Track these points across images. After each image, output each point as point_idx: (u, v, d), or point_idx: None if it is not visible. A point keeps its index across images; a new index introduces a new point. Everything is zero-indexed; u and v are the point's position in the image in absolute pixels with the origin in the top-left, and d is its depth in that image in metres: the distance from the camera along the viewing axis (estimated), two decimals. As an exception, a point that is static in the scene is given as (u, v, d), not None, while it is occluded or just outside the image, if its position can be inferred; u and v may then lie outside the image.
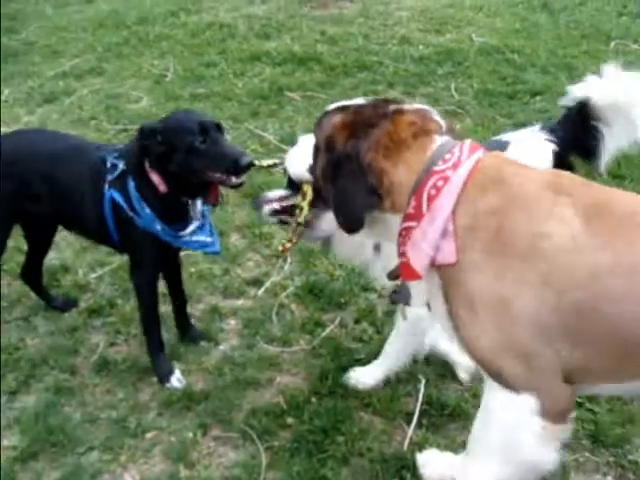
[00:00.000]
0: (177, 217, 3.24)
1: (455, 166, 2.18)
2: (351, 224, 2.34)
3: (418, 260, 2.21)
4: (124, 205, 3.20)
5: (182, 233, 3.26)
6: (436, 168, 2.19)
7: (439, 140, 2.27)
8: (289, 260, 4.26)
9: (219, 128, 3.19)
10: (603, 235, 2.02)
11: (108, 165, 3.26)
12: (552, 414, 2.16)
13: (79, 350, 3.68)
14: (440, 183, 2.16)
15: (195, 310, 3.91)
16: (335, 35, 8.19)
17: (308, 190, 2.81)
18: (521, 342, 2.09)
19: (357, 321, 3.79)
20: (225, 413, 3.24)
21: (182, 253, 3.73)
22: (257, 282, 4.07)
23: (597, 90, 3.23)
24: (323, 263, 4.19)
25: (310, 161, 2.53)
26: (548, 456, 2.23)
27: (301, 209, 2.86)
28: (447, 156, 2.20)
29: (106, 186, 3.23)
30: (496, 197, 2.13)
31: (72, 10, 9.85)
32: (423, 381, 3.35)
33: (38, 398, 3.36)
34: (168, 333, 3.71)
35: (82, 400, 3.36)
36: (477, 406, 2.41)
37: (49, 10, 9.84)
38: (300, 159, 2.74)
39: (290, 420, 3.18)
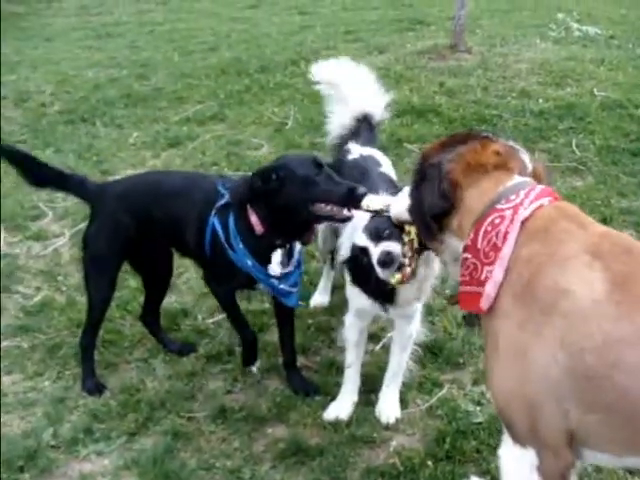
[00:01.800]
0: (265, 259, 3.38)
1: (516, 208, 2.23)
2: (424, 226, 2.47)
3: (487, 301, 2.25)
4: (221, 235, 3.38)
5: (272, 274, 3.40)
6: (498, 206, 2.27)
7: (516, 179, 2.33)
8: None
9: (331, 166, 3.33)
10: (625, 304, 2.02)
11: (220, 192, 3.45)
12: (550, 473, 2.18)
13: (196, 396, 3.73)
14: (497, 221, 2.24)
15: (312, 363, 3.92)
16: (454, 87, 8.19)
17: (411, 229, 2.84)
18: (531, 394, 2.12)
19: (475, 382, 3.71)
20: (340, 470, 3.21)
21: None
22: (375, 337, 4.04)
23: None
24: (442, 321, 4.14)
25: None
26: None
27: (411, 240, 2.89)
28: (512, 197, 2.26)
29: (213, 212, 3.42)
30: (537, 248, 2.17)
31: (197, 57, 10.23)
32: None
33: (156, 441, 3.42)
34: (284, 385, 3.76)
35: (198, 447, 3.40)
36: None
37: (176, 57, 10.25)
38: (402, 202, 2.75)
39: (406, 483, 3.13)
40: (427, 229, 2.48)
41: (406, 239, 2.90)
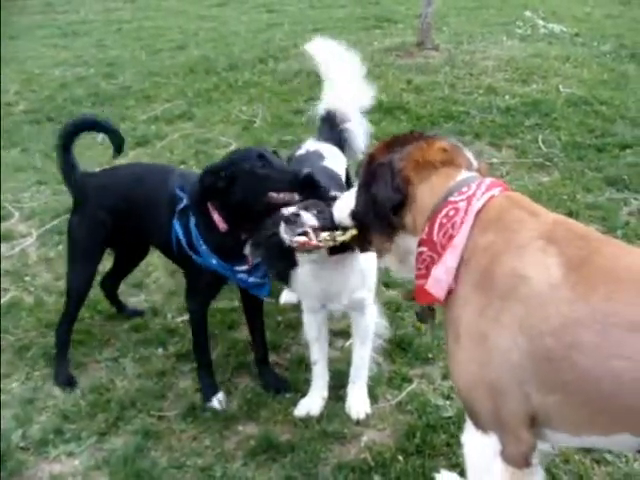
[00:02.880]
0: (234, 255, 3.42)
1: (469, 199, 2.30)
2: (379, 223, 2.48)
3: (438, 287, 2.31)
4: (182, 239, 3.43)
5: (238, 269, 3.44)
6: (451, 199, 2.33)
7: (464, 174, 2.40)
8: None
9: (276, 154, 3.43)
10: (580, 287, 2.07)
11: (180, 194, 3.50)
12: (513, 457, 2.23)
13: (166, 394, 3.73)
14: (452, 213, 2.30)
15: (282, 360, 3.93)
16: (421, 84, 8.24)
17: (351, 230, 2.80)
18: (492, 379, 2.18)
19: (444, 377, 3.74)
20: (311, 466, 3.22)
21: (267, 301, 3.81)
22: (344, 333, 4.04)
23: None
24: (411, 317, 4.17)
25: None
26: None
27: (339, 235, 2.84)
28: (464, 189, 2.33)
29: (175, 217, 3.48)
30: (492, 237, 2.24)
31: (165, 56, 10.21)
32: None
33: (126, 441, 3.42)
34: (254, 383, 3.76)
35: (169, 445, 3.40)
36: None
37: (144, 56, 10.20)
38: (346, 203, 2.74)
39: (377, 478, 3.14)
40: (383, 225, 2.48)
41: (338, 232, 2.84)
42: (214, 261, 3.39)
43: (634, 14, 12.22)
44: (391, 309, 4.20)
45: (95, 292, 4.42)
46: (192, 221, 3.41)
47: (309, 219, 2.97)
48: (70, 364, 3.87)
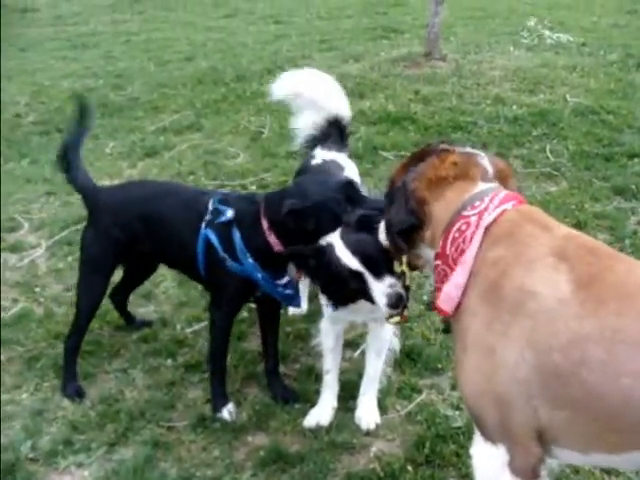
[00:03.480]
0: (277, 270, 3.47)
1: (480, 214, 2.32)
2: (394, 243, 2.59)
3: (449, 302, 2.34)
4: (218, 247, 3.44)
5: (278, 282, 3.49)
6: (464, 213, 2.36)
7: (481, 186, 2.42)
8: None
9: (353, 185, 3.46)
10: (589, 303, 2.08)
11: (210, 208, 3.51)
12: (521, 468, 2.23)
13: (176, 405, 3.73)
14: (464, 227, 2.33)
15: (291, 370, 3.94)
16: (429, 95, 8.25)
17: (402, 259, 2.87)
18: (499, 391, 2.18)
19: (453, 387, 3.73)
20: (320, 477, 3.22)
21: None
22: (353, 344, 4.05)
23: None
24: (420, 327, 4.17)
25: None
26: None
27: (403, 274, 2.92)
28: (477, 203, 2.35)
29: (202, 225, 3.49)
30: (503, 250, 2.25)
31: (173, 67, 10.25)
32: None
33: (136, 452, 3.42)
34: (263, 393, 3.77)
35: (178, 456, 3.40)
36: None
37: (152, 67, 10.26)
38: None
39: (386, 488, 3.15)
40: (396, 246, 2.59)
41: (398, 269, 2.92)
42: (259, 275, 3.43)
43: (641, 23, 12.25)
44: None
45: (105, 303, 4.41)
46: (236, 234, 3.43)
47: (404, 294, 3.05)
48: (78, 375, 3.87)
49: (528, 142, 6.93)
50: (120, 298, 4.31)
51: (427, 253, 2.56)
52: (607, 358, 2.02)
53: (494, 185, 2.45)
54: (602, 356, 2.02)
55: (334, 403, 3.61)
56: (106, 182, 6.25)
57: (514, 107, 7.79)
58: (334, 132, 4.28)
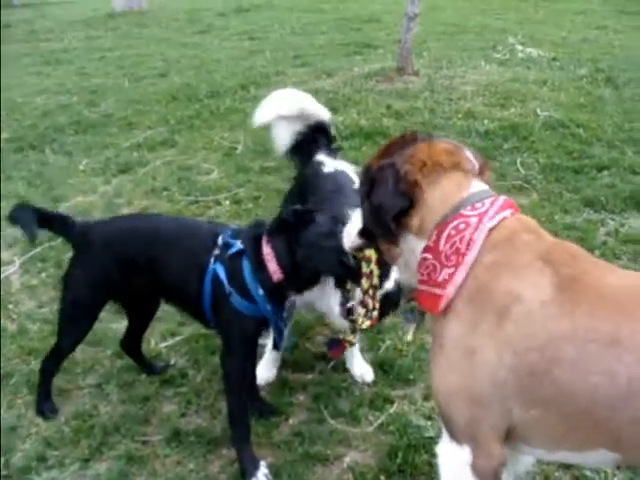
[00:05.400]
0: (280, 303, 3.35)
1: (481, 216, 2.30)
2: (384, 229, 2.44)
3: (444, 300, 2.30)
4: (224, 280, 3.27)
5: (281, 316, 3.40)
6: (463, 211, 2.32)
7: (477, 186, 2.41)
8: (357, 336, 4.29)
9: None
10: (568, 304, 2.12)
11: (219, 242, 3.34)
12: (483, 470, 2.28)
13: (150, 419, 3.73)
14: (462, 226, 2.30)
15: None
16: (401, 109, 8.32)
17: (370, 253, 2.90)
18: (474, 392, 2.22)
19: (425, 397, 3.78)
20: (295, 489, 3.24)
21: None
22: (326, 357, 4.07)
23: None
24: (392, 339, 4.21)
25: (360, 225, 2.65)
26: None
27: (371, 272, 2.96)
28: (478, 204, 2.33)
29: (211, 260, 3.32)
30: (497, 256, 2.26)
31: (147, 83, 10.27)
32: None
33: (110, 466, 3.41)
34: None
35: (153, 470, 3.39)
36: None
37: (126, 83, 10.27)
38: (353, 229, 2.75)
39: (360, 498, 3.17)
40: (388, 231, 2.44)
41: (367, 269, 2.94)
42: (268, 307, 3.28)
43: (609, 39, 12.45)
44: (372, 331, 4.24)
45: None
46: (245, 265, 3.27)
47: (358, 308, 3.15)
48: (52, 393, 3.82)
49: (499, 155, 7.01)
50: (131, 345, 4.07)
51: (410, 242, 2.45)
52: (578, 357, 2.06)
53: (489, 189, 2.44)
54: (573, 355, 2.07)
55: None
56: (80, 199, 6.30)
57: (485, 121, 7.88)
58: (320, 137, 4.18)
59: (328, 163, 3.99)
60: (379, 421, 3.65)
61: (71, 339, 3.72)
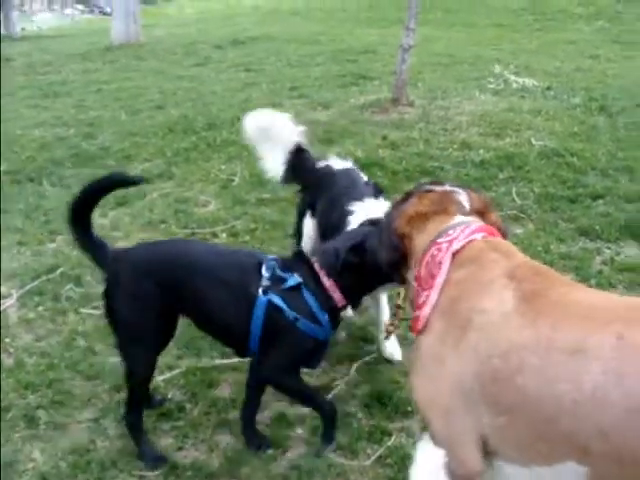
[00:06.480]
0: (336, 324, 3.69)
1: (451, 241, 2.54)
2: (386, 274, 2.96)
3: (422, 319, 2.52)
4: (287, 310, 3.43)
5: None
6: (438, 240, 2.58)
7: (457, 219, 2.65)
8: (354, 367, 4.30)
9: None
10: (529, 315, 2.23)
11: (265, 274, 3.46)
12: (455, 475, 2.39)
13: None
14: (435, 252, 2.56)
15: (262, 417, 3.93)
16: (397, 140, 8.37)
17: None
18: (444, 399, 2.36)
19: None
20: (292, 523, 3.23)
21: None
22: (324, 389, 4.08)
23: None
24: (389, 371, 4.22)
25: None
26: None
27: (399, 307, 3.43)
28: (450, 232, 2.58)
29: (260, 291, 3.43)
30: (464, 273, 2.46)
31: (144, 116, 10.31)
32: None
33: (107, 502, 3.41)
34: (235, 440, 3.76)
35: (150, 505, 3.39)
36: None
37: (123, 116, 10.33)
38: None
39: (357, 532, 3.16)
40: (387, 275, 2.97)
41: (402, 303, 3.39)
42: (333, 330, 3.62)
43: (602, 68, 12.55)
44: (369, 364, 4.26)
45: (75, 353, 4.45)
46: (308, 297, 3.47)
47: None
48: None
49: (495, 185, 7.05)
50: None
51: (410, 277, 2.76)
52: (542, 365, 2.14)
53: (470, 219, 2.65)
54: (537, 363, 2.15)
55: None
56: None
57: (481, 151, 7.93)
58: (304, 156, 4.69)
59: (336, 163, 4.46)
60: (377, 454, 3.65)
61: (140, 371, 3.61)
